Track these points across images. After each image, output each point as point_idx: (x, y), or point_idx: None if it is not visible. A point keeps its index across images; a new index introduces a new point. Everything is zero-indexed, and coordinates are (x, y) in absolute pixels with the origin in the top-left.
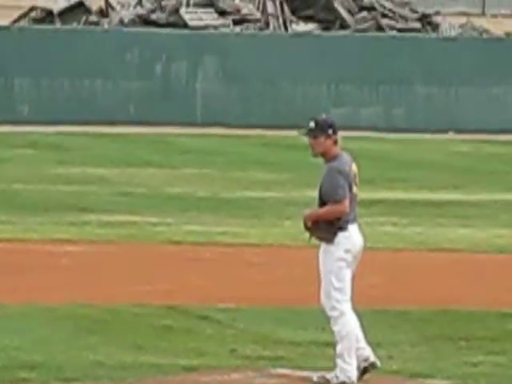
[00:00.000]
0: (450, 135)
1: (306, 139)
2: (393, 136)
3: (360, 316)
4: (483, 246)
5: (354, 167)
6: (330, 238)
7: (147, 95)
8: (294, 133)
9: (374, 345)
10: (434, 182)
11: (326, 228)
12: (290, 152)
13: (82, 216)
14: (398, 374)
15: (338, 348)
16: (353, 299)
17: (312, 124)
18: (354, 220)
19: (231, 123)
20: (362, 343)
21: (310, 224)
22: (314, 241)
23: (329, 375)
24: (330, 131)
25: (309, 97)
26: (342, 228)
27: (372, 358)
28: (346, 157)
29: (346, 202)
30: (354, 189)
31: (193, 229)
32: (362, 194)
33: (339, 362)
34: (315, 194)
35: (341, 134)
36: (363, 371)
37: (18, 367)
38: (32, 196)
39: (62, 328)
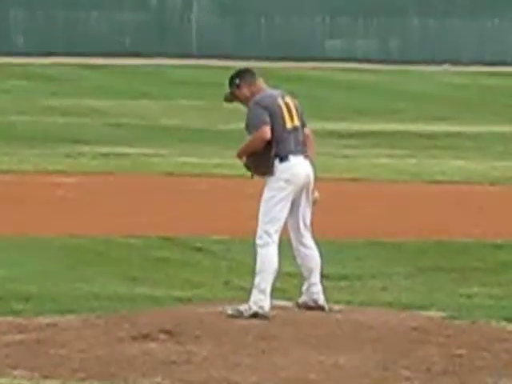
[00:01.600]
0: (446, 67)
1: (230, 103)
2: (388, 68)
3: (354, 248)
4: (478, 178)
5: (289, 99)
6: (269, 171)
7: (142, 27)
8: (289, 64)
9: (369, 276)
10: (428, 114)
11: (263, 161)
12: (286, 83)
13: (76, 148)
14: (393, 306)
15: (256, 279)
16: (313, 233)
17: (227, 89)
18: (298, 152)
19: (227, 54)
20: (316, 284)
21: (244, 160)
22: (258, 178)
23: (242, 307)
24: (237, 81)
25: (304, 28)
26: (282, 158)
27: (321, 302)
28: (270, 91)
29: (265, 128)
30: (289, 122)
31: (188, 160)
32: (356, 125)
33: (254, 292)
34: (314, 124)
35: (335, 65)
36: (308, 308)
37: (13, 298)
38: (27, 127)
39: (56, 259)
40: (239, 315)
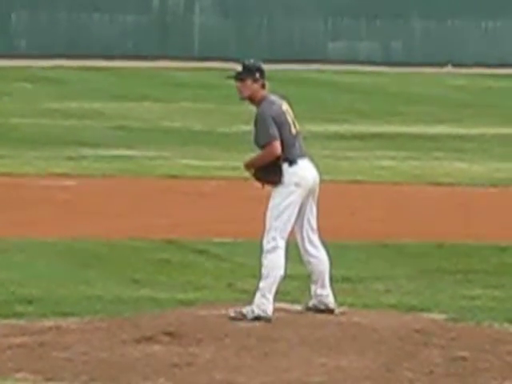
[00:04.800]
0: (448, 69)
1: (234, 83)
2: (390, 70)
3: (357, 250)
4: (480, 180)
5: (287, 106)
6: (278, 180)
7: (144, 29)
8: (291, 66)
9: (372, 279)
10: (431, 116)
11: (273, 171)
12: (288, 85)
13: (79, 150)
14: (396, 308)
15: (261, 283)
16: (320, 235)
17: (239, 67)
18: (302, 155)
19: (229, 56)
20: (326, 287)
21: (253, 171)
22: (268, 187)
23: (245, 310)
24: (258, 75)
25: (306, 31)
26: (291, 162)
27: (331, 305)
28: (273, 98)
29: (276, 144)
30: (293, 127)
31: (190, 163)
32: (359, 127)
33: (258, 296)
34: (316, 126)
35: (338, 68)
36: (318, 311)
37: (16, 301)
38: (29, 130)
39: (59, 262)
40: (242, 318)
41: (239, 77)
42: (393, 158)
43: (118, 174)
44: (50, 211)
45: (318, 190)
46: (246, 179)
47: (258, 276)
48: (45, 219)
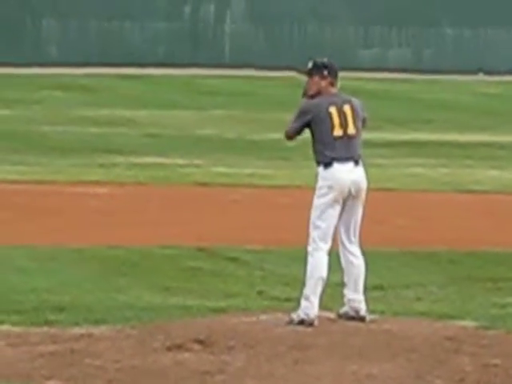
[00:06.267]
0: (480, 76)
1: (304, 79)
2: (421, 77)
3: (388, 258)
4: (511, 187)
5: (347, 108)
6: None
7: (176, 37)
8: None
9: (403, 287)
10: (462, 124)
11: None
12: None
13: (110, 158)
14: (426, 316)
15: (305, 289)
16: (361, 242)
17: (310, 64)
18: (343, 159)
19: (259, 64)
20: (359, 295)
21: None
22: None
23: (294, 314)
24: (326, 72)
25: (337, 38)
26: (326, 165)
27: (362, 312)
28: (331, 97)
29: (289, 131)
30: (340, 129)
31: (221, 170)
32: (389, 135)
33: (302, 300)
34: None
35: (369, 75)
36: (349, 318)
37: (48, 309)
38: (60, 138)
39: (90, 270)
40: (291, 322)
41: (309, 74)
42: (423, 166)
43: (149, 182)
44: (82, 219)
45: (362, 195)
46: (275, 187)
47: (288, 283)
48: (76, 227)
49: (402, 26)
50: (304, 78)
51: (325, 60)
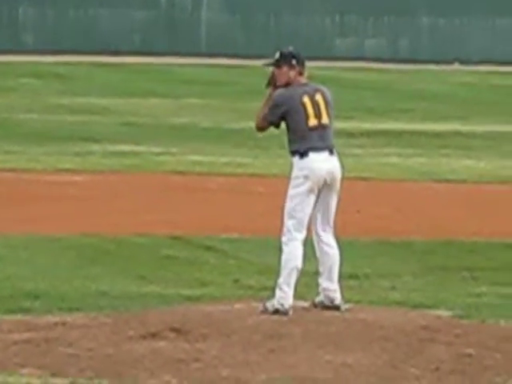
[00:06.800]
0: (455, 66)
1: (270, 70)
2: (397, 67)
3: (363, 247)
4: (487, 177)
5: (320, 96)
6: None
7: (152, 25)
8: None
9: (378, 276)
10: (438, 113)
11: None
12: None
13: (86, 146)
14: (402, 305)
15: (280, 278)
16: (335, 230)
17: (277, 55)
18: (321, 148)
19: (236, 53)
20: (334, 284)
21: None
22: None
23: (269, 303)
24: (294, 62)
25: (313, 27)
26: (302, 154)
27: (337, 301)
28: (302, 87)
29: (259, 122)
30: (314, 119)
31: (197, 159)
32: (365, 124)
33: (276, 290)
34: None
35: (345, 64)
36: (324, 308)
37: (22, 296)
38: (36, 126)
39: (65, 258)
40: (265, 311)
41: (276, 64)
42: (399, 155)
43: (125, 170)
44: (57, 207)
45: (337, 184)
46: (252, 176)
47: (263, 272)
48: (51, 215)
49: (377, 15)
50: (270, 70)
51: (291, 49)
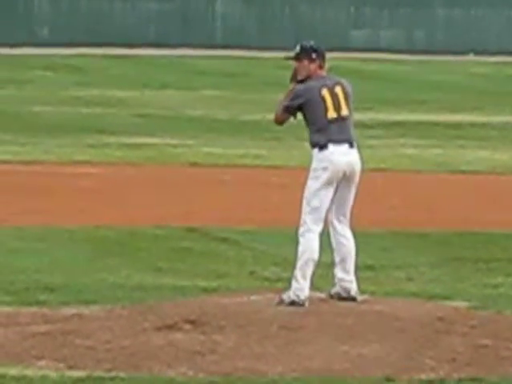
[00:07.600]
0: (471, 57)
1: (292, 64)
2: (413, 58)
3: (380, 238)
4: (503, 168)
5: (340, 89)
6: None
7: (167, 17)
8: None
9: (394, 267)
10: (454, 104)
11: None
12: None
13: (101, 138)
14: (418, 296)
15: (296, 270)
16: (352, 222)
17: (297, 48)
18: (340, 141)
19: (250, 45)
20: (349, 275)
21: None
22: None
23: (285, 295)
24: (314, 55)
25: (328, 19)
26: (322, 147)
27: (353, 292)
28: (322, 80)
29: (278, 115)
30: (333, 112)
31: (213, 151)
32: (381, 115)
33: (292, 282)
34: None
35: (361, 55)
36: (340, 299)
37: (39, 289)
38: (51, 118)
39: (81, 250)
40: (281, 302)
41: (297, 58)
42: (415, 146)
43: (140, 162)
44: (72, 199)
45: (356, 177)
46: (268, 167)
47: (279, 264)
48: (67, 207)
49: (393, 6)
50: (293, 63)
51: (312, 43)
